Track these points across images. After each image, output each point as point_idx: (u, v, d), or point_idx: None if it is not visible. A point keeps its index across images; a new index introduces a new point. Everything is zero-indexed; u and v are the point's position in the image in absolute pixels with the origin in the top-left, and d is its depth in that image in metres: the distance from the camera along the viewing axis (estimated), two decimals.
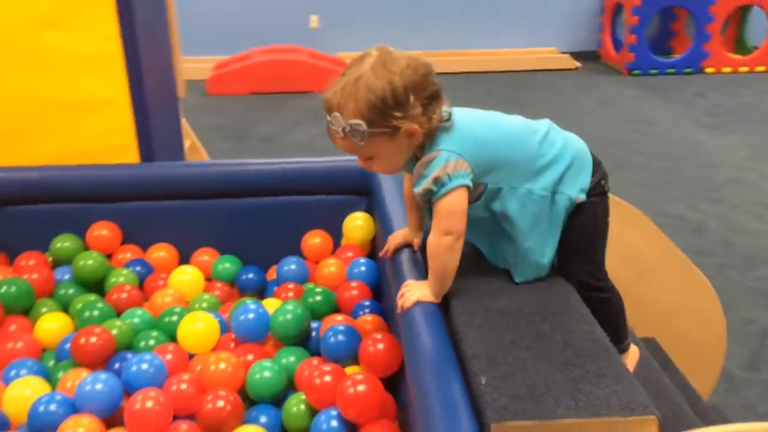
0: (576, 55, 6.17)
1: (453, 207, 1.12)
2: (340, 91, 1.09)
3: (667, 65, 5.78)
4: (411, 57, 1.10)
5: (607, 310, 1.23)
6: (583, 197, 1.19)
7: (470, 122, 1.15)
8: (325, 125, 1.14)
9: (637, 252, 1.67)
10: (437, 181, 1.11)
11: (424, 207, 1.22)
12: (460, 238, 1.13)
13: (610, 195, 1.64)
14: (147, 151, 1.91)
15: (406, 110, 1.08)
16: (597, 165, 1.22)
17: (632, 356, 1.31)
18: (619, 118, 4.69)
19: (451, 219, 1.12)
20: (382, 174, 1.17)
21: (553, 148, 1.18)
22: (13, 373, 1.38)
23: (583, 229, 1.21)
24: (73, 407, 1.27)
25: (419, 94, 1.09)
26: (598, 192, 1.21)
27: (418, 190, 1.13)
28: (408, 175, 1.24)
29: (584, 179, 1.19)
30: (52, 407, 1.25)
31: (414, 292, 1.17)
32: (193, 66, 5.53)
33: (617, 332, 1.25)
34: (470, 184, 1.12)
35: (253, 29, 5.88)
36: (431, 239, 1.14)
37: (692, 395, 1.51)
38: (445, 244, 1.12)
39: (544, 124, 1.21)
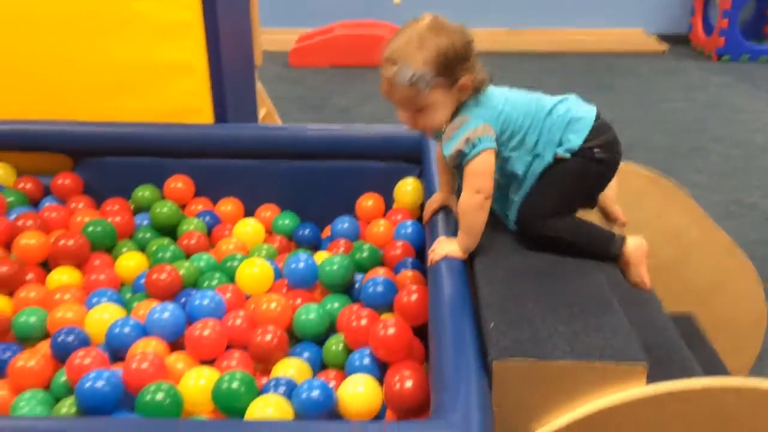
0: (664, 38, 5.97)
1: (482, 167, 1.22)
2: (404, 44, 1.18)
3: (760, 52, 5.52)
4: (459, 24, 1.20)
5: (568, 243, 1.25)
6: (566, 156, 1.25)
7: (496, 98, 1.26)
8: None
9: (679, 231, 1.70)
10: (468, 142, 1.21)
11: (455, 170, 1.32)
12: (489, 198, 1.23)
13: (652, 174, 1.68)
14: (221, 114, 2.05)
15: (467, 64, 1.19)
16: (597, 132, 1.25)
17: (632, 244, 1.28)
18: (703, 104, 4.55)
19: (481, 178, 1.22)
20: (426, 131, 1.25)
21: (557, 120, 1.26)
22: (95, 300, 1.57)
23: (546, 179, 1.27)
24: (143, 331, 1.44)
25: (470, 54, 1.20)
26: (585, 156, 1.25)
27: (450, 152, 1.23)
28: (439, 142, 1.35)
29: (574, 141, 1.25)
30: (126, 330, 1.43)
31: (444, 247, 1.28)
32: (276, 38, 5.70)
33: (598, 245, 1.26)
34: (496, 147, 1.22)
35: (339, 4, 6.00)
36: (463, 198, 1.25)
37: (719, 368, 1.54)
38: (475, 202, 1.23)
39: (555, 99, 1.29)
